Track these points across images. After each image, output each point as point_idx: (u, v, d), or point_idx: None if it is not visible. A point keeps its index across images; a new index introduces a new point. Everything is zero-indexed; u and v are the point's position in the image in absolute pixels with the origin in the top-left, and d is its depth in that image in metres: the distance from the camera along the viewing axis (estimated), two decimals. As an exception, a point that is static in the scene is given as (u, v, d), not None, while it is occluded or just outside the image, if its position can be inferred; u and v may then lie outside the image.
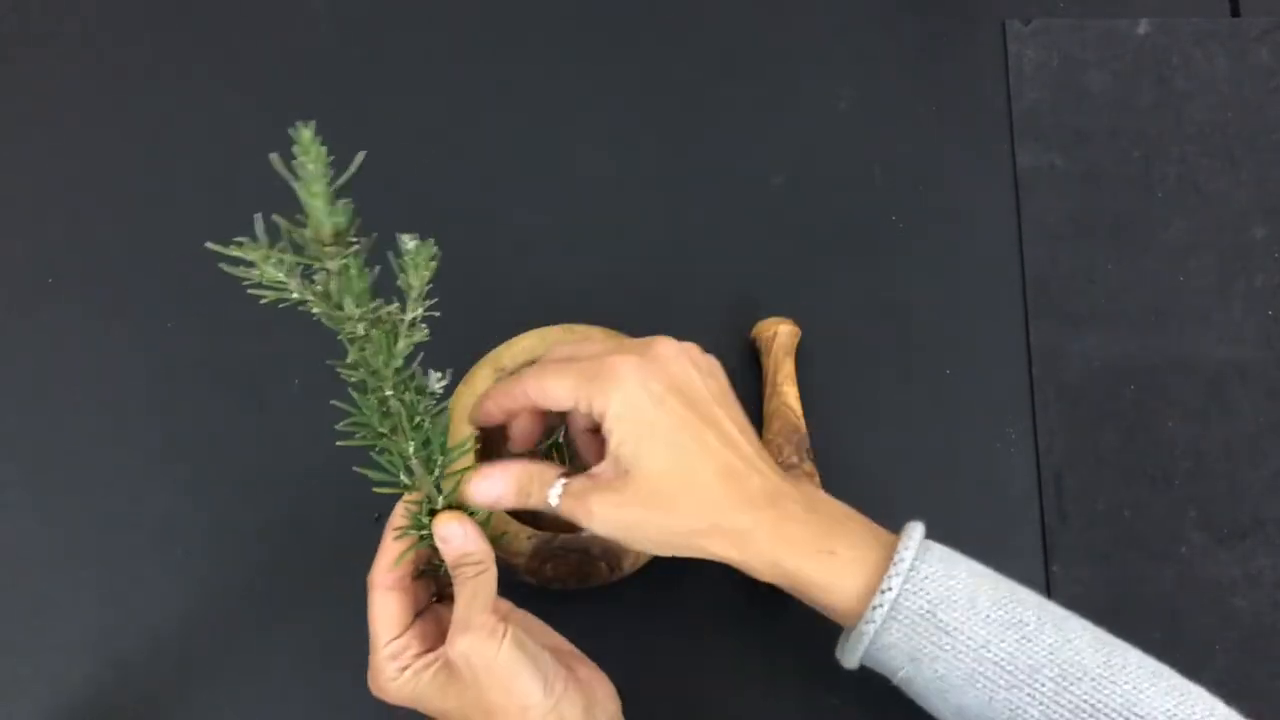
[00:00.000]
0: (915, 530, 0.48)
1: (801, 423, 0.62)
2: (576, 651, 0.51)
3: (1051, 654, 0.45)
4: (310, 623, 0.61)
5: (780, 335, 0.63)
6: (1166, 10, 0.74)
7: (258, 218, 0.40)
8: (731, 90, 0.73)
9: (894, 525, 0.63)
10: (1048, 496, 0.64)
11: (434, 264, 0.43)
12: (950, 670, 0.45)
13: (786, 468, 0.60)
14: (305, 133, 0.40)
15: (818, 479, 0.61)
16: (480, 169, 0.71)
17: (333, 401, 0.46)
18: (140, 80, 0.74)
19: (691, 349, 0.50)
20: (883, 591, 0.46)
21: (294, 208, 0.41)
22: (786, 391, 0.62)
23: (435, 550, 0.49)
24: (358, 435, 0.46)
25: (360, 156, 0.41)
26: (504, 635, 0.45)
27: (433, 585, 0.52)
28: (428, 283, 0.43)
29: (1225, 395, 0.65)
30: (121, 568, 0.63)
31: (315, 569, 0.62)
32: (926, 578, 0.46)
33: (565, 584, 0.56)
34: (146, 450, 0.65)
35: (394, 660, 0.47)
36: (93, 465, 0.65)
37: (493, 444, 0.62)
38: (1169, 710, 0.44)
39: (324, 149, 0.40)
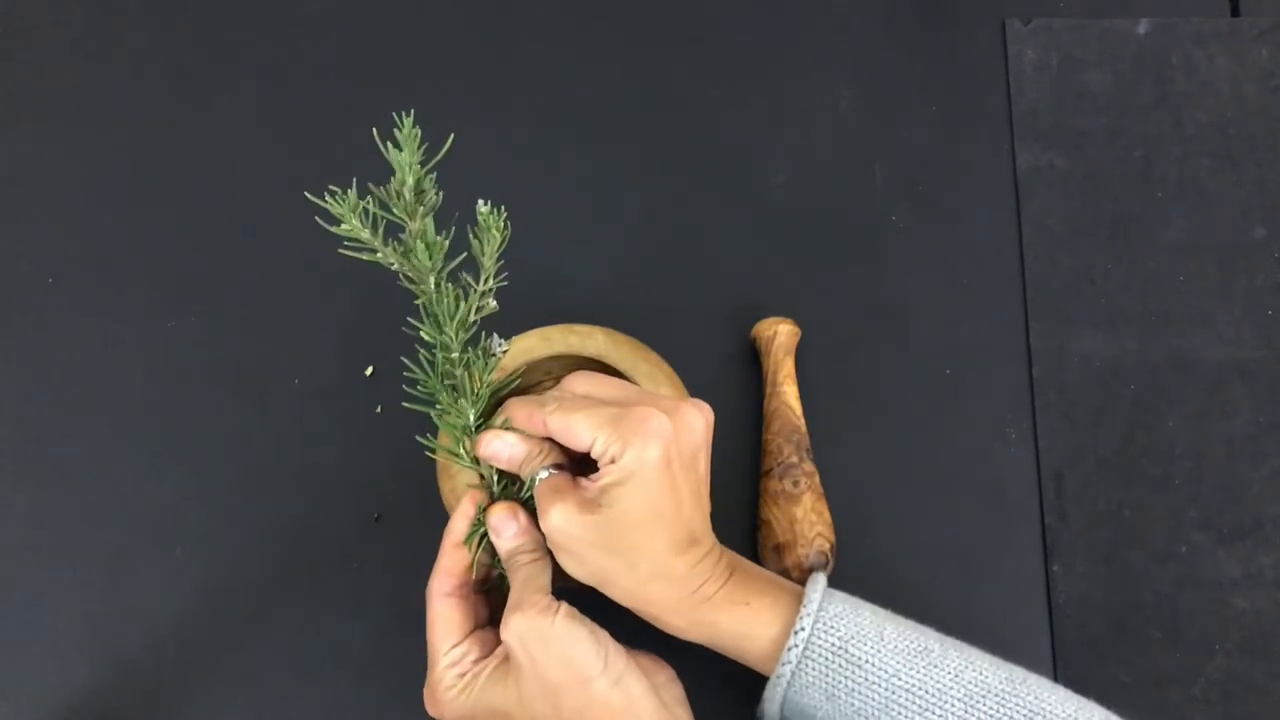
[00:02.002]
0: (819, 580, 0.51)
1: (801, 422, 0.62)
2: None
3: (956, 676, 0.48)
4: (310, 623, 0.61)
5: (780, 335, 0.63)
6: (1166, 10, 0.74)
7: (354, 181, 0.44)
8: (732, 90, 0.73)
9: (894, 523, 0.63)
10: (1048, 496, 0.64)
11: (506, 231, 0.46)
12: (865, 703, 0.48)
13: (786, 467, 0.60)
14: (408, 121, 0.45)
15: (817, 478, 0.61)
16: (480, 169, 0.71)
17: (403, 358, 0.49)
18: (141, 80, 0.74)
19: (707, 413, 0.50)
20: (796, 632, 0.48)
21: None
22: (786, 391, 0.62)
23: (492, 552, 0.50)
24: (421, 390, 0.49)
25: (451, 139, 0.47)
26: (558, 609, 0.46)
27: (487, 607, 0.53)
28: (499, 249, 0.46)
29: (1225, 395, 0.65)
30: (121, 568, 0.63)
31: (315, 569, 0.62)
32: (835, 616, 0.49)
33: (566, 584, 0.56)
34: (146, 450, 0.65)
35: (454, 667, 0.48)
36: (92, 465, 0.65)
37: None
38: (1070, 714, 0.47)
39: (416, 134, 0.45)
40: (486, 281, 0.47)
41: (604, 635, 0.47)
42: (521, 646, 0.46)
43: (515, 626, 0.46)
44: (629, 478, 0.46)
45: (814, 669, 0.48)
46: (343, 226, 0.43)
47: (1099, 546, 0.63)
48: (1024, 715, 0.46)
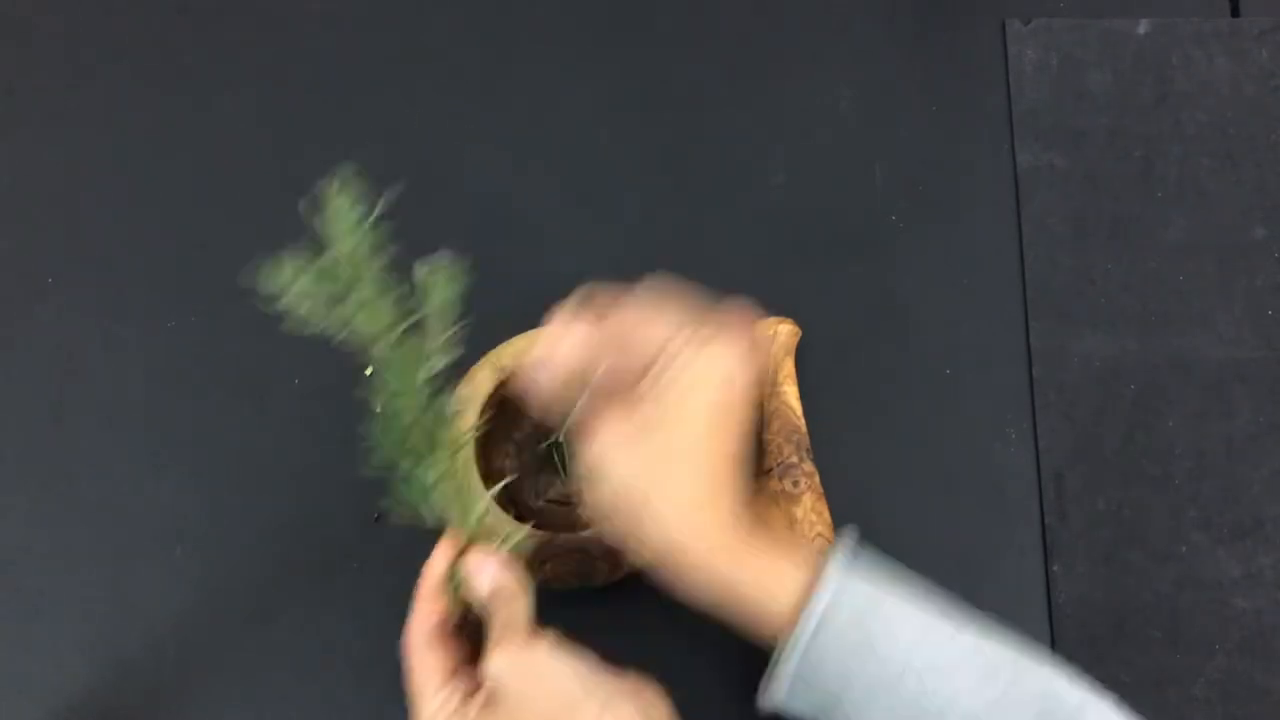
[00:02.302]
0: (844, 541, 0.49)
1: (801, 422, 0.62)
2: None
3: (974, 651, 0.47)
4: (310, 623, 0.61)
5: (780, 335, 0.63)
6: (1166, 10, 0.74)
7: (286, 254, 0.42)
8: (731, 90, 0.73)
9: (894, 523, 0.63)
10: (1048, 496, 0.64)
11: (455, 285, 0.43)
12: (881, 670, 0.46)
13: (786, 468, 0.60)
14: (336, 184, 0.42)
15: (817, 478, 0.61)
16: (480, 169, 0.71)
17: (360, 429, 0.46)
18: (141, 80, 0.74)
19: (730, 357, 0.49)
20: (812, 600, 0.46)
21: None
22: (786, 391, 0.62)
23: (468, 603, 0.49)
24: (379, 461, 0.46)
25: (384, 197, 0.44)
26: (541, 641, 0.46)
27: (468, 646, 0.52)
28: (453, 304, 0.43)
29: (1225, 395, 0.65)
30: (121, 568, 0.63)
31: (315, 569, 0.62)
32: (854, 586, 0.47)
33: (565, 584, 0.56)
34: (146, 450, 0.65)
35: (443, 709, 0.47)
36: (92, 465, 0.65)
37: (490, 448, 0.62)
38: (1076, 703, 0.46)
39: (352, 194, 0.42)
40: (440, 333, 0.45)
41: (589, 661, 0.47)
42: (507, 681, 0.46)
43: (498, 662, 0.46)
44: (698, 376, 0.46)
45: (829, 640, 0.46)
46: (286, 300, 0.42)
47: (1099, 546, 0.63)
48: (1034, 695, 0.45)
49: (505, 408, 0.62)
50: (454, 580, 0.49)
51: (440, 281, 0.43)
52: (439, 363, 0.44)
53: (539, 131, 0.72)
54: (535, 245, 0.69)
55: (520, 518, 0.56)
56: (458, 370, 0.46)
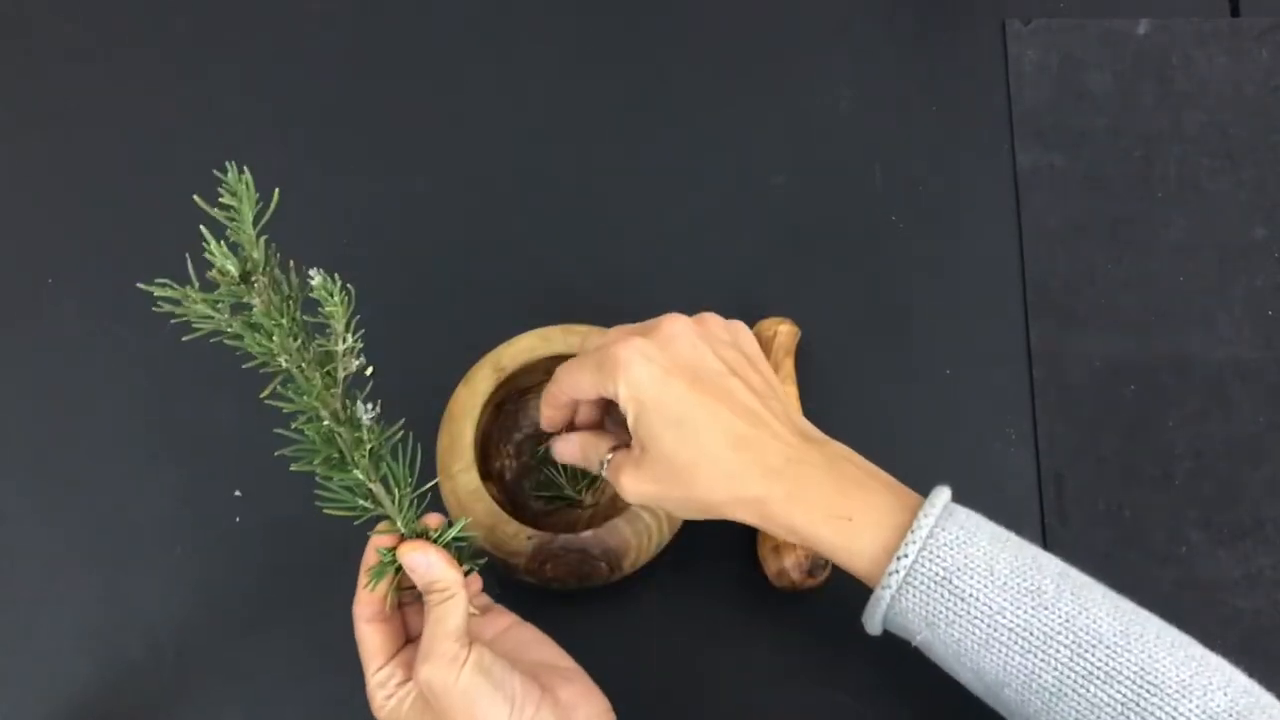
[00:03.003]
0: (940, 495, 0.48)
1: (801, 423, 0.62)
2: (572, 669, 0.50)
3: (1067, 621, 0.45)
4: (310, 623, 0.61)
5: (780, 335, 0.63)
6: (1166, 10, 0.74)
7: (187, 257, 0.41)
8: (731, 90, 0.73)
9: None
10: (1048, 496, 0.64)
11: (345, 298, 0.43)
12: (966, 635, 0.46)
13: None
14: (233, 174, 0.41)
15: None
16: (480, 169, 0.71)
17: (276, 430, 0.46)
18: (141, 80, 0.74)
19: (708, 320, 0.51)
20: (899, 558, 0.46)
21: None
22: (786, 391, 0.62)
23: (407, 583, 0.49)
24: (304, 461, 0.46)
25: (276, 195, 0.42)
26: (464, 662, 0.46)
27: (416, 619, 0.52)
28: (348, 316, 0.43)
29: (1225, 395, 0.65)
30: (121, 568, 0.63)
31: (315, 569, 0.62)
32: (944, 544, 0.46)
33: (565, 584, 0.56)
34: (146, 450, 0.65)
35: (381, 688, 0.49)
36: (92, 465, 0.65)
37: (490, 448, 0.62)
38: (1184, 679, 0.44)
39: (249, 190, 0.41)
40: (342, 343, 0.43)
41: (514, 683, 0.46)
42: (430, 695, 0.46)
43: (423, 675, 0.46)
44: (638, 406, 0.47)
45: (914, 596, 0.46)
46: (188, 312, 0.41)
47: (1099, 546, 0.63)
48: (1131, 673, 0.44)
49: (505, 408, 0.62)
50: (390, 570, 0.48)
51: (331, 293, 0.42)
52: (348, 369, 0.44)
53: (538, 131, 0.72)
54: (535, 245, 0.69)
55: (520, 518, 0.56)
56: (367, 377, 0.46)
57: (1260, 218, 0.69)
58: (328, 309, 0.43)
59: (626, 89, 0.73)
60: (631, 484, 0.49)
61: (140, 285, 0.41)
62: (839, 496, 0.48)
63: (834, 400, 0.65)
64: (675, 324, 0.49)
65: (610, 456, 0.52)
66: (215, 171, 0.41)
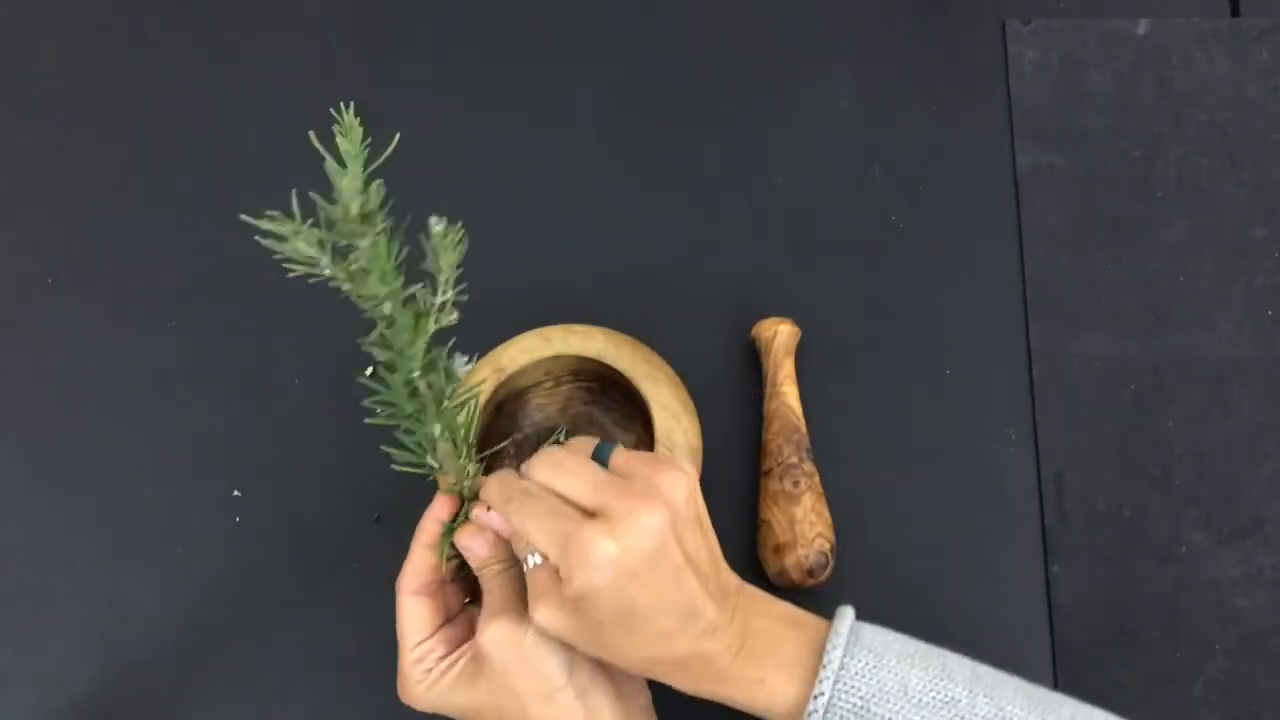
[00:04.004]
0: (843, 620, 0.48)
1: (801, 423, 0.62)
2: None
3: None
4: (310, 623, 0.61)
5: (780, 335, 0.63)
6: (1166, 10, 0.74)
7: (294, 193, 0.41)
8: (732, 90, 0.73)
9: (894, 523, 0.63)
10: (1048, 496, 0.64)
11: (461, 248, 0.43)
12: None
13: (786, 468, 0.60)
14: (348, 115, 0.41)
15: (817, 479, 0.61)
16: (480, 169, 0.71)
17: (360, 379, 0.46)
18: (141, 80, 0.74)
19: (676, 491, 0.47)
20: (815, 697, 0.46)
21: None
22: (786, 391, 0.62)
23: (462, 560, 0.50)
24: (382, 413, 0.47)
25: (396, 138, 0.43)
26: (530, 619, 0.47)
27: (466, 591, 0.53)
28: (457, 266, 0.44)
29: (1225, 395, 0.65)
30: (121, 568, 0.63)
31: (315, 569, 0.62)
32: (855, 674, 0.46)
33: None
34: (147, 449, 0.65)
35: (420, 663, 0.49)
36: (93, 465, 0.65)
37: (494, 441, 0.62)
38: None
39: (362, 131, 0.41)
40: (445, 294, 0.44)
41: (572, 650, 0.48)
42: (496, 653, 0.47)
43: (492, 634, 0.47)
44: (588, 595, 0.45)
45: None
46: (288, 248, 0.41)
47: (1099, 546, 0.63)
48: None
49: (505, 408, 0.62)
50: (447, 538, 0.49)
51: (449, 242, 0.43)
52: (443, 321, 0.45)
53: (538, 131, 0.72)
54: (535, 246, 0.69)
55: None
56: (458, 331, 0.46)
57: (1260, 218, 0.69)
58: (442, 259, 0.43)
59: (626, 88, 0.73)
60: (547, 619, 0.46)
61: (244, 217, 0.40)
62: (752, 665, 0.47)
63: (834, 400, 0.65)
64: (646, 520, 0.45)
65: (539, 561, 0.47)
66: (331, 110, 0.42)
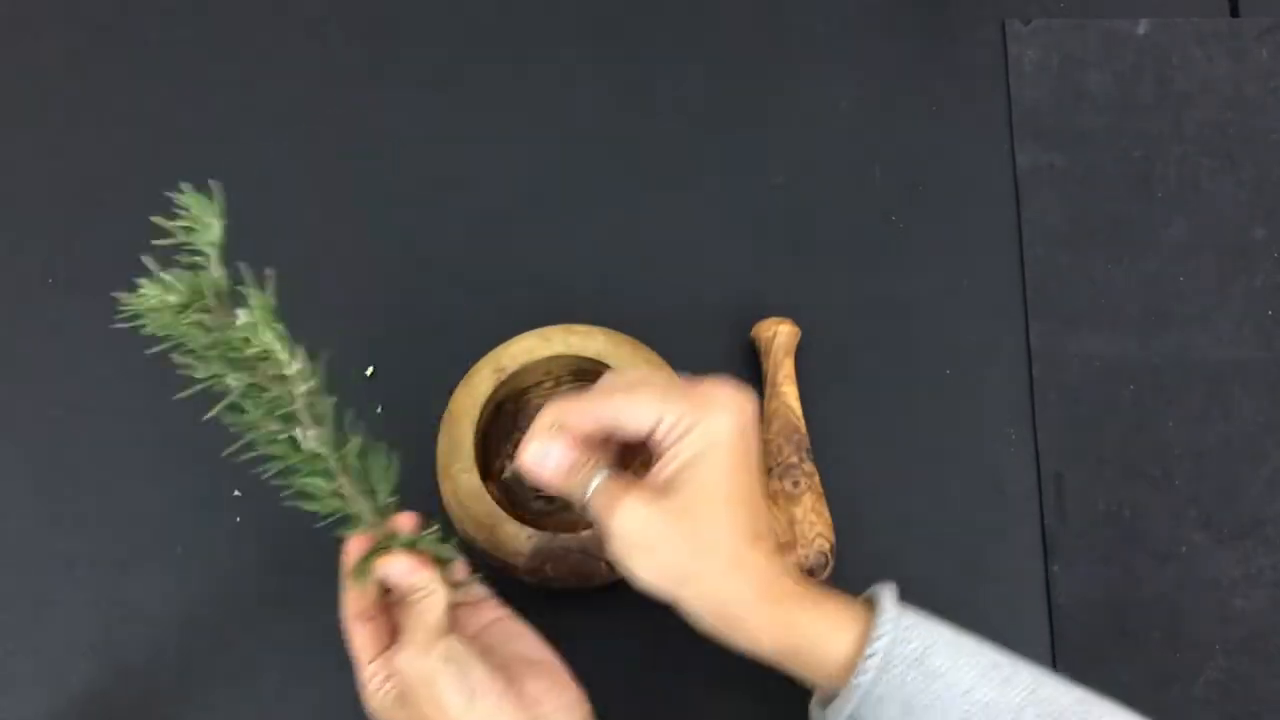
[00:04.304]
0: (889, 588, 0.49)
1: (801, 423, 0.62)
2: (546, 661, 0.51)
3: (1031, 693, 0.46)
4: (310, 623, 0.61)
5: (780, 335, 0.63)
6: (1166, 10, 0.74)
7: (148, 261, 0.42)
8: (731, 90, 0.73)
9: (894, 523, 0.63)
10: (1048, 496, 0.64)
11: (283, 337, 0.43)
12: (943, 718, 0.46)
13: (786, 468, 0.60)
14: (192, 197, 0.42)
15: (817, 478, 0.61)
16: (480, 169, 0.71)
17: (239, 443, 0.47)
18: (141, 80, 0.74)
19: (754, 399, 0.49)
20: (875, 639, 0.46)
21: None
22: (786, 391, 0.62)
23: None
24: (271, 468, 0.47)
25: (220, 226, 0.43)
26: (435, 648, 0.47)
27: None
28: (287, 345, 0.43)
29: (1225, 395, 0.65)
30: (121, 568, 0.63)
31: (315, 569, 0.62)
32: (911, 625, 0.47)
33: (565, 584, 0.56)
34: (147, 449, 0.65)
35: (369, 684, 0.50)
36: (93, 465, 0.65)
37: (490, 448, 0.62)
38: None
39: (211, 210, 0.42)
40: (291, 365, 0.44)
41: (478, 673, 0.47)
42: (405, 681, 0.48)
43: (398, 663, 0.48)
44: (703, 453, 0.46)
45: (892, 680, 0.46)
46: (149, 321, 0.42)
47: (1099, 546, 0.63)
48: None
49: (505, 408, 0.62)
50: (365, 568, 0.49)
51: (263, 323, 0.43)
52: (301, 387, 0.44)
53: (538, 132, 0.72)
54: (535, 246, 0.69)
55: (520, 518, 0.56)
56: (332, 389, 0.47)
57: (1260, 218, 0.69)
58: (253, 349, 0.43)
59: (626, 89, 0.73)
60: (632, 512, 0.46)
61: (114, 295, 0.42)
62: (812, 591, 0.48)
63: (834, 400, 0.65)
64: (750, 395, 0.48)
65: (605, 476, 0.48)
66: (168, 194, 0.41)
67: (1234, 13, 0.75)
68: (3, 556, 0.63)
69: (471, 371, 0.60)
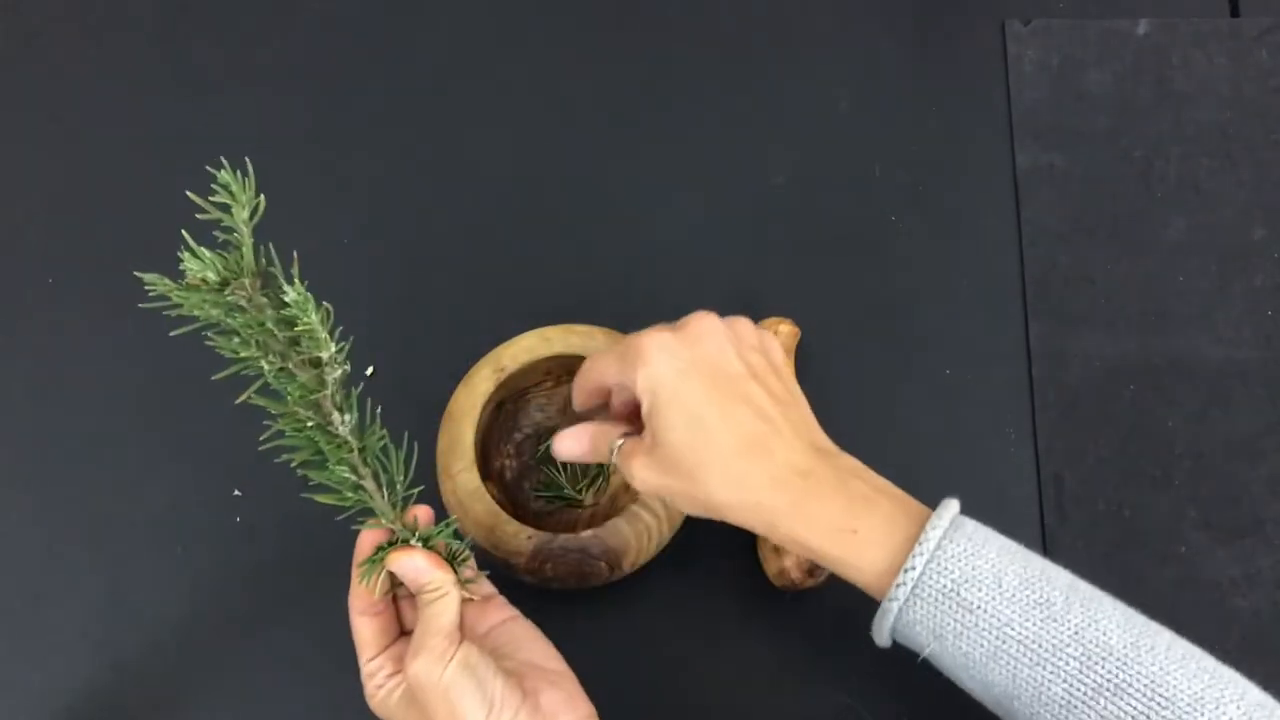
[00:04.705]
0: (948, 508, 0.48)
1: (801, 423, 0.62)
2: (560, 672, 0.50)
3: (1077, 634, 0.45)
4: (310, 623, 0.61)
5: (780, 335, 0.63)
6: (1166, 10, 0.74)
7: (179, 253, 0.42)
8: (731, 90, 0.73)
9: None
10: (1048, 496, 0.64)
11: (326, 315, 0.43)
12: (974, 648, 0.46)
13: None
14: (225, 175, 0.42)
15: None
16: (480, 169, 0.71)
17: (265, 421, 0.46)
18: (141, 80, 0.74)
19: (738, 323, 0.51)
20: (906, 570, 0.46)
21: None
22: (788, 392, 0.62)
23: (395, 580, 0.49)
24: (290, 457, 0.47)
25: (262, 201, 0.43)
26: (450, 658, 0.46)
27: (411, 613, 0.52)
28: (328, 327, 0.43)
29: (1225, 395, 0.65)
30: (121, 568, 0.63)
31: (315, 569, 0.62)
32: (952, 557, 0.46)
33: (565, 584, 0.56)
34: (146, 450, 0.65)
35: (372, 678, 0.50)
36: (93, 465, 0.65)
37: (490, 448, 0.62)
38: (1196, 692, 0.44)
39: (246, 190, 0.42)
40: (327, 349, 0.44)
41: (496, 685, 0.47)
42: (417, 689, 0.47)
43: (412, 669, 0.47)
44: (654, 403, 0.48)
45: (922, 608, 0.46)
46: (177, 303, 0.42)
47: (1099, 546, 0.63)
48: (1142, 686, 0.44)
49: (505, 408, 0.62)
50: (376, 563, 0.49)
51: (310, 305, 0.43)
52: (332, 375, 0.44)
53: (538, 131, 0.72)
54: (535, 245, 0.69)
55: (520, 518, 0.56)
56: (352, 380, 0.46)
57: (1260, 218, 0.69)
58: (301, 325, 0.43)
59: (626, 89, 0.73)
60: (642, 471, 0.49)
61: (137, 273, 0.42)
62: (845, 511, 0.48)
63: (834, 400, 0.65)
64: (704, 322, 0.49)
65: (622, 442, 0.51)
66: (208, 168, 0.41)
67: (1234, 13, 0.75)
68: (3, 556, 0.63)
69: (471, 371, 0.60)
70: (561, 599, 0.58)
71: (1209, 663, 0.45)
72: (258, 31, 0.75)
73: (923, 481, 0.64)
